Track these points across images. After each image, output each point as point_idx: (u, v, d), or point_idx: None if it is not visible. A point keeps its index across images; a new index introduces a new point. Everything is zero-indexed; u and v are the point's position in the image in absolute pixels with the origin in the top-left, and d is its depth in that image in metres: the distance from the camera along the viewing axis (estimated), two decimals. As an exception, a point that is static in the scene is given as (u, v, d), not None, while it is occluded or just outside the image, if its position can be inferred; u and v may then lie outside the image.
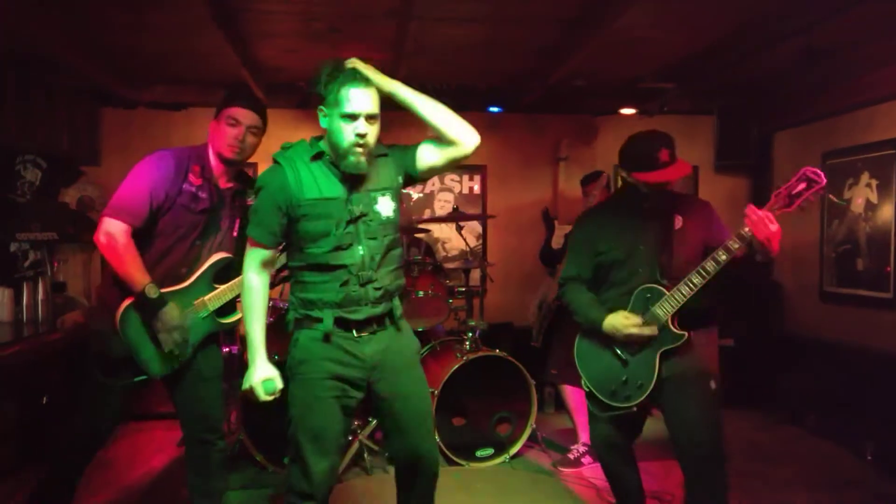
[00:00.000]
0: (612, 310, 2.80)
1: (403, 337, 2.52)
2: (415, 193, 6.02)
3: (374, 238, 2.38)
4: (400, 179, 2.51)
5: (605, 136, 6.11)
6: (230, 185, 2.88)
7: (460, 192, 6.08)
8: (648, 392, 2.71)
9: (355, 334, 2.36)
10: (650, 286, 2.74)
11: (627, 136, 2.88)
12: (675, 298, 2.67)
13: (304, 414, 2.35)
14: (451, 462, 4.02)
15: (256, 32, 4.26)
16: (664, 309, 2.68)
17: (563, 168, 5.94)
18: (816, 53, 4.14)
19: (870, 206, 4.65)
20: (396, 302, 2.48)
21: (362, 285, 2.34)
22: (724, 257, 2.58)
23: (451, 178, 6.06)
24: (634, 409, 2.77)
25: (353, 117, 2.29)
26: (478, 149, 6.26)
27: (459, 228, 4.90)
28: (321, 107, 2.36)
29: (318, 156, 2.37)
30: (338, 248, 2.32)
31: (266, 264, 2.41)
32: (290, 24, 4.12)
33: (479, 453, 4.13)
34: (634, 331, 2.70)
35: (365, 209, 2.37)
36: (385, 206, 2.42)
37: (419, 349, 2.61)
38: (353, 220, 2.34)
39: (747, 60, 4.65)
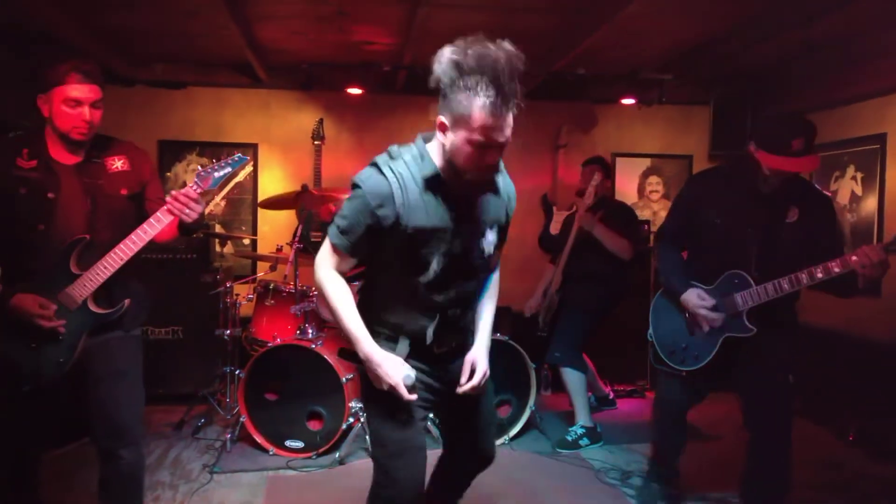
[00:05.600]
0: (694, 280, 2.90)
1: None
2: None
3: (472, 278, 2.16)
4: (504, 219, 2.22)
5: (604, 125, 6.17)
6: (78, 158, 2.50)
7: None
8: (701, 365, 2.87)
9: (435, 353, 2.17)
10: (741, 273, 2.78)
11: (773, 112, 2.80)
12: (759, 294, 2.72)
13: (386, 415, 2.13)
14: (451, 444, 4.07)
15: (263, 14, 4.25)
16: (745, 300, 2.75)
17: (563, 155, 5.99)
18: (813, 47, 4.20)
19: (855, 199, 4.80)
20: (472, 328, 2.28)
21: (446, 322, 2.13)
22: (820, 276, 2.58)
23: (450, 163, 6.06)
24: (683, 373, 2.94)
25: (484, 146, 1.87)
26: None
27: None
28: (443, 109, 1.91)
29: (432, 179, 2.00)
30: (432, 283, 2.05)
31: (342, 270, 2.12)
32: (298, 6, 4.11)
33: (478, 435, 4.20)
34: (702, 312, 2.83)
35: (469, 244, 2.08)
36: (489, 241, 2.14)
37: None
38: (455, 256, 2.05)
39: (745, 52, 4.71)
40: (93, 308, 2.43)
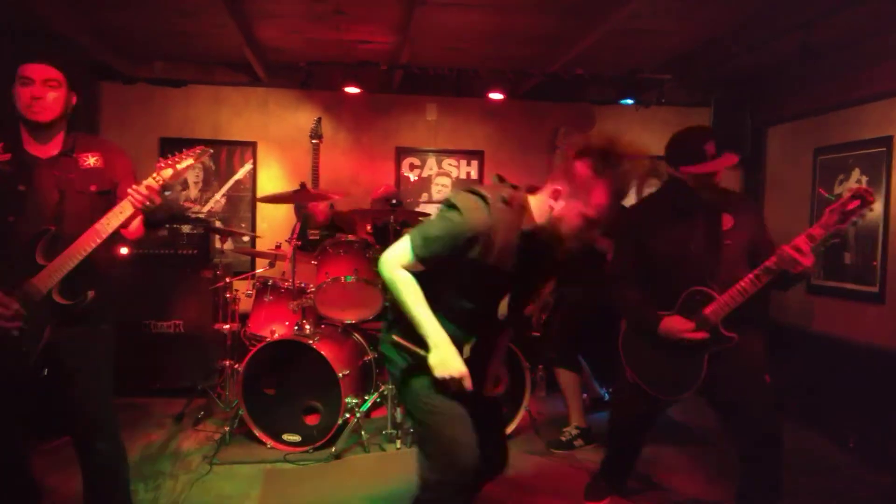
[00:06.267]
0: (660, 308, 2.89)
1: None
2: (413, 176, 6.09)
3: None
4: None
5: (602, 126, 6.17)
6: (52, 152, 2.55)
7: (457, 177, 6.14)
8: (695, 387, 2.85)
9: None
10: (700, 289, 2.81)
11: (673, 133, 2.94)
12: (727, 303, 2.74)
13: (445, 401, 2.27)
14: (447, 440, 4.11)
15: (261, 12, 4.29)
16: (716, 312, 2.77)
17: (560, 156, 6.02)
18: (813, 49, 4.21)
19: (859, 202, 4.76)
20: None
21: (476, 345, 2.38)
22: (775, 268, 2.62)
23: (448, 163, 6.13)
24: (678, 400, 2.96)
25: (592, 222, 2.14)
26: (476, 134, 6.35)
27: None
28: (564, 177, 2.13)
29: (525, 234, 2.20)
30: (477, 310, 2.29)
31: (410, 271, 2.23)
32: (296, 5, 4.14)
33: (473, 432, 4.23)
34: (689, 336, 2.80)
35: (521, 289, 2.34)
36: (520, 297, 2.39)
37: None
38: (498, 297, 2.30)
39: (746, 54, 4.71)
40: (57, 299, 2.44)
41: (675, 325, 2.84)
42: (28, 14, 4.11)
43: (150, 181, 2.44)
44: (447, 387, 2.21)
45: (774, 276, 2.65)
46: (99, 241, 2.43)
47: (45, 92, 2.45)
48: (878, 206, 4.57)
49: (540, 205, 2.21)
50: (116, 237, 2.60)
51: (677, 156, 2.89)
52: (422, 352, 2.24)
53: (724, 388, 2.88)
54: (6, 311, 2.36)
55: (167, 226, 4.99)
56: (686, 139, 2.90)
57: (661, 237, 2.91)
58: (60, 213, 2.50)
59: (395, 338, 2.33)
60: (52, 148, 2.56)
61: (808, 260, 2.57)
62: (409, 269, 2.22)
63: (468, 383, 2.20)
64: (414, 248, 2.19)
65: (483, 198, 2.17)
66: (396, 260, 2.23)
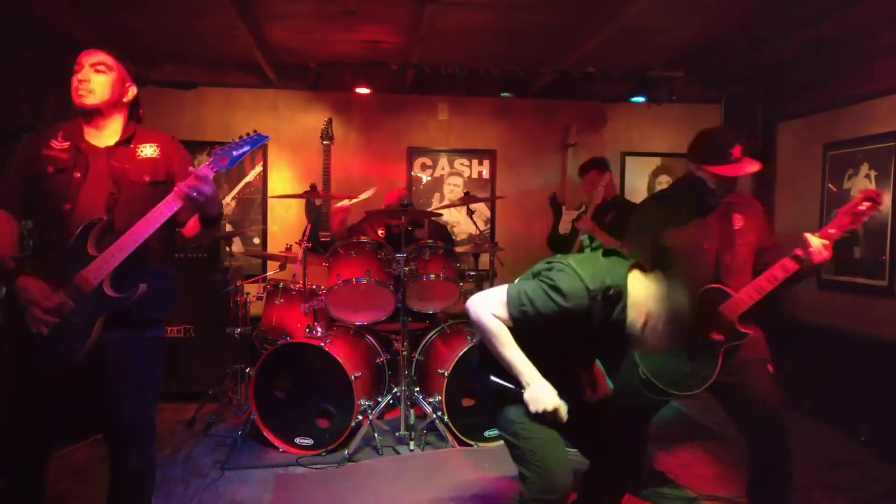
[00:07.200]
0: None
1: None
2: (425, 177, 6.07)
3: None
4: None
5: (613, 123, 6.16)
6: (110, 143, 2.51)
7: (469, 176, 6.11)
8: (709, 383, 2.83)
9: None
10: (716, 287, 2.81)
11: (701, 130, 2.95)
12: (745, 300, 2.75)
13: (538, 426, 2.33)
14: (461, 442, 4.08)
15: (271, 14, 4.28)
16: (731, 310, 2.77)
17: (572, 154, 5.97)
18: (825, 44, 4.17)
19: (868, 197, 4.74)
20: None
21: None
22: (792, 266, 2.66)
23: (460, 163, 6.10)
24: (694, 395, 2.91)
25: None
26: (488, 133, 6.34)
27: (471, 213, 4.95)
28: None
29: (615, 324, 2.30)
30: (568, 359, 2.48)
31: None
32: (305, 6, 4.14)
33: (487, 433, 4.19)
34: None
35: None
36: None
37: None
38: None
39: (757, 50, 4.68)
40: (107, 291, 2.36)
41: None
42: (39, 17, 4.12)
43: (202, 168, 2.32)
44: (543, 418, 2.27)
45: (794, 274, 2.67)
46: (149, 231, 2.35)
47: (91, 75, 2.44)
48: (886, 201, 4.55)
49: (637, 298, 2.26)
50: (174, 235, 2.58)
51: (704, 152, 2.86)
52: (515, 388, 2.30)
53: (727, 382, 2.85)
54: (48, 303, 2.29)
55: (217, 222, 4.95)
56: (715, 137, 2.88)
57: (676, 234, 2.89)
58: (113, 203, 2.43)
59: (493, 378, 2.37)
60: (110, 138, 2.52)
61: (828, 254, 2.63)
62: (499, 319, 2.28)
63: (563, 414, 2.25)
64: (510, 305, 2.26)
65: (587, 287, 2.21)
66: (489, 308, 2.29)
